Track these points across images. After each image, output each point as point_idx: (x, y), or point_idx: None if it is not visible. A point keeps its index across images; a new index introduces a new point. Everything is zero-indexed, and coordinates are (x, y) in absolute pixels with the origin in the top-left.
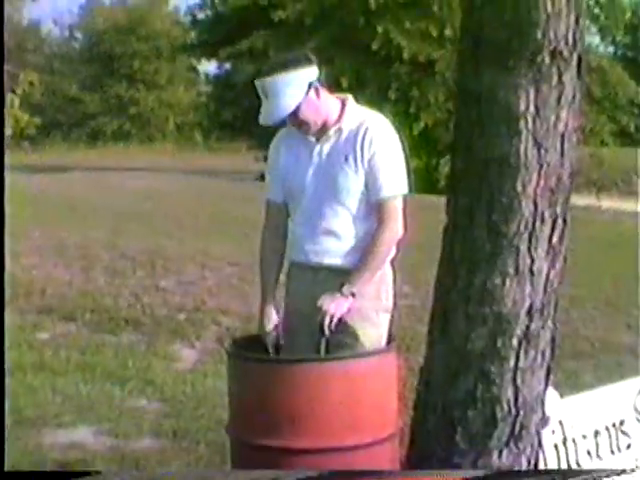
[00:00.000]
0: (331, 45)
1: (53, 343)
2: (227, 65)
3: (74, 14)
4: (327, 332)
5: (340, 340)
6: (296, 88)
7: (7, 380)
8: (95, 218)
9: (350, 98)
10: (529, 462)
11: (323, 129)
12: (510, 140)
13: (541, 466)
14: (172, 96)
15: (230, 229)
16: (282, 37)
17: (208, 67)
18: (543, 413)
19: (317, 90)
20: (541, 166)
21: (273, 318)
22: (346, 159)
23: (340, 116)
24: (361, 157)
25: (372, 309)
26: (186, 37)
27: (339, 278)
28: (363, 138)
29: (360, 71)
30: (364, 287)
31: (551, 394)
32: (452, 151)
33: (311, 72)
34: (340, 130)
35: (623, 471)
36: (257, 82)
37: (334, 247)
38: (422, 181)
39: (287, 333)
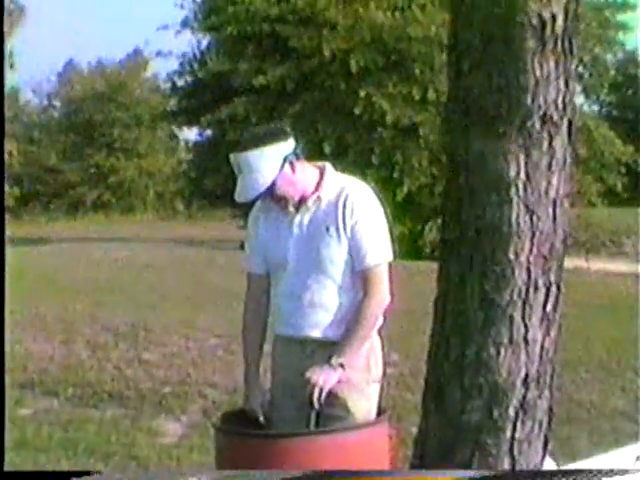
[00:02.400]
0: (313, 110)
1: (35, 419)
2: (208, 132)
3: (53, 82)
4: (317, 405)
5: (330, 413)
6: (271, 163)
7: (7, 380)
8: (76, 291)
9: (328, 166)
10: None
11: (302, 200)
12: (501, 208)
13: None
14: (152, 164)
15: (213, 300)
16: (263, 103)
17: (189, 134)
18: None
19: (292, 164)
20: (534, 233)
21: (259, 392)
22: (327, 229)
23: (318, 185)
24: (343, 226)
25: (362, 380)
26: (166, 104)
27: (327, 350)
28: (344, 206)
29: (342, 136)
30: (353, 358)
31: (548, 464)
32: (442, 219)
33: (286, 146)
34: (319, 199)
35: (625, 471)
36: (231, 157)
37: (321, 319)
38: (407, 247)
39: (274, 407)
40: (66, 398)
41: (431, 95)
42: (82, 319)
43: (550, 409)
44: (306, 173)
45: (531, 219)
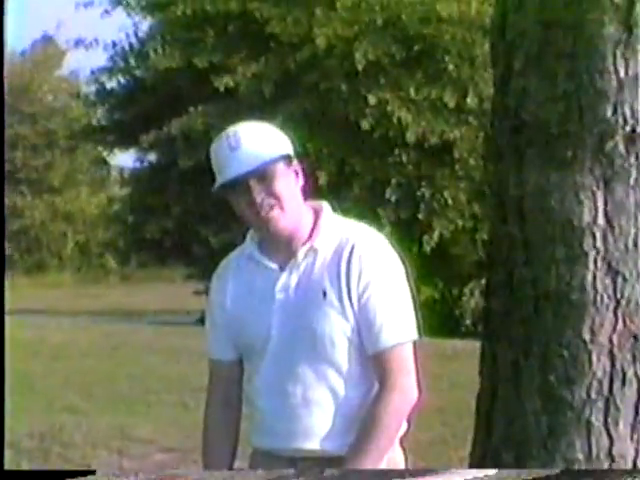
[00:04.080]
0: (301, 123)
1: None
2: (152, 156)
3: None
4: None
5: None
6: (273, 146)
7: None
8: None
9: (325, 206)
10: None
11: (290, 247)
12: (572, 266)
13: None
14: (71, 203)
15: (160, 399)
16: (230, 113)
17: (124, 159)
18: None
19: (297, 173)
20: (618, 302)
21: None
22: (324, 294)
23: (312, 232)
24: (347, 291)
25: None
26: (90, 116)
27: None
28: (348, 263)
29: (345, 160)
30: None
31: None
32: (486, 285)
33: (286, 144)
34: (314, 252)
35: None
36: (220, 137)
37: (318, 425)
38: (439, 319)
39: None
40: None
41: (471, 102)
42: None
43: None
44: (301, 206)
45: (614, 282)
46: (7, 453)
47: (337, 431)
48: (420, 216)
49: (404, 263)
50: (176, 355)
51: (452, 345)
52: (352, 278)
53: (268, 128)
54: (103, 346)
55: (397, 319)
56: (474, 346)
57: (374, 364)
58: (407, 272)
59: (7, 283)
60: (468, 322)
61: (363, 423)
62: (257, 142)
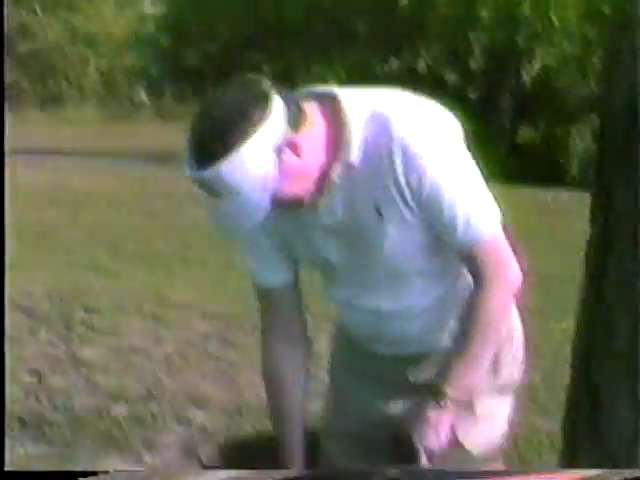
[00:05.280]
0: None
1: None
2: None
3: None
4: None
5: None
6: (259, 168)
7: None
8: None
9: (340, 97)
10: None
11: (320, 180)
12: None
13: None
14: (94, 23)
15: (202, 258)
16: None
17: None
18: None
19: (294, 145)
20: None
21: (296, 431)
22: (379, 211)
23: (339, 142)
24: (405, 201)
25: (484, 389)
26: None
27: (425, 369)
28: (404, 167)
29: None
30: (472, 381)
31: None
32: (601, 124)
33: (274, 122)
34: (350, 168)
35: None
36: (193, 176)
37: (410, 328)
38: (539, 166)
39: (323, 452)
40: None
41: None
42: None
43: None
44: (314, 133)
45: None
46: (17, 316)
47: (433, 331)
48: (519, 40)
49: (458, 127)
50: None
51: (555, 196)
52: (411, 183)
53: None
54: (134, 194)
55: (477, 205)
56: (582, 198)
57: (465, 263)
58: (465, 135)
59: (12, 119)
60: (575, 170)
61: (462, 323)
62: (239, 186)
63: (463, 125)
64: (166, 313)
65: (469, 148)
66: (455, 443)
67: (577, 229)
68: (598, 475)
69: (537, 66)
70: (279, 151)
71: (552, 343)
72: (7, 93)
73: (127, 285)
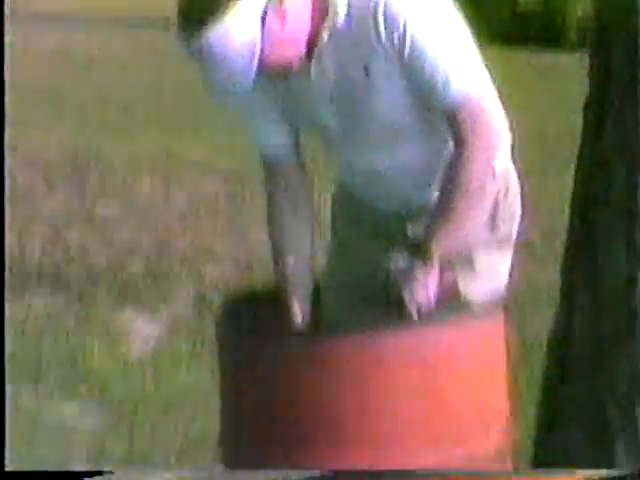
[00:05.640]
0: None
1: None
2: None
3: None
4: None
5: None
6: (245, 33)
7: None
8: None
9: None
10: None
11: (309, 46)
12: None
13: None
14: None
15: (214, 118)
16: None
17: None
18: None
19: (280, 10)
20: None
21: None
22: (366, 70)
23: (324, 9)
24: (394, 53)
25: (481, 243)
26: None
27: (415, 225)
28: (385, 22)
29: None
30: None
31: None
32: None
33: None
34: (337, 32)
35: None
36: (181, 42)
37: (403, 184)
38: (536, 28)
39: (324, 302)
40: None
41: None
42: None
43: None
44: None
45: None
46: (32, 172)
47: (424, 187)
48: None
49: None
50: None
51: (554, 59)
52: (390, 41)
53: (229, 22)
54: (144, 55)
55: (456, 69)
56: (580, 60)
57: (447, 123)
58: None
59: None
60: (573, 34)
61: (443, 183)
62: (225, 51)
63: None
64: (179, 170)
65: (469, 12)
66: (455, 295)
67: (576, 91)
68: (598, 475)
69: None
70: (265, 18)
71: (551, 200)
72: None
73: (140, 143)
